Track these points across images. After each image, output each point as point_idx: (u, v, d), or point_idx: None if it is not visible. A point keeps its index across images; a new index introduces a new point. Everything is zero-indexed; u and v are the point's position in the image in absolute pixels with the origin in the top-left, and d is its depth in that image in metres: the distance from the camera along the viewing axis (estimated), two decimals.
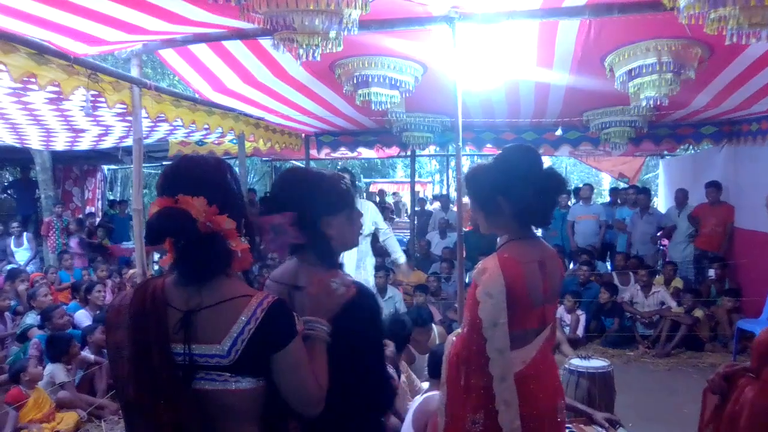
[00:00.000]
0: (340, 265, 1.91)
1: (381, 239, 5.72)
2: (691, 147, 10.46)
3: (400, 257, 5.90)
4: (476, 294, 2.10)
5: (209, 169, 1.61)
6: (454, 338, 2.22)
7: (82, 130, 7.17)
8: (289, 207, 1.74)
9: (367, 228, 5.57)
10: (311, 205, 1.79)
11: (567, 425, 3.20)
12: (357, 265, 5.54)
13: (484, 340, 2.06)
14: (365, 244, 5.60)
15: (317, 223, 1.80)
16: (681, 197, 8.83)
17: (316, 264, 1.82)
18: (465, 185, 2.37)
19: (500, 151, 2.34)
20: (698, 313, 7.11)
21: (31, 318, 6.18)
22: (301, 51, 3.51)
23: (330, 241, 1.83)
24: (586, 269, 8.00)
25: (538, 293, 2.18)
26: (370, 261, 5.72)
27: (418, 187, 14.43)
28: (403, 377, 4.14)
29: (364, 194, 23.14)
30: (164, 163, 9.83)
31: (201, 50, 4.91)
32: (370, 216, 5.61)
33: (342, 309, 1.70)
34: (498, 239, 2.32)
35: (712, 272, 7.85)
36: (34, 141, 7.91)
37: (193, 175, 1.57)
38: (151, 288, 1.54)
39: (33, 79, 3.70)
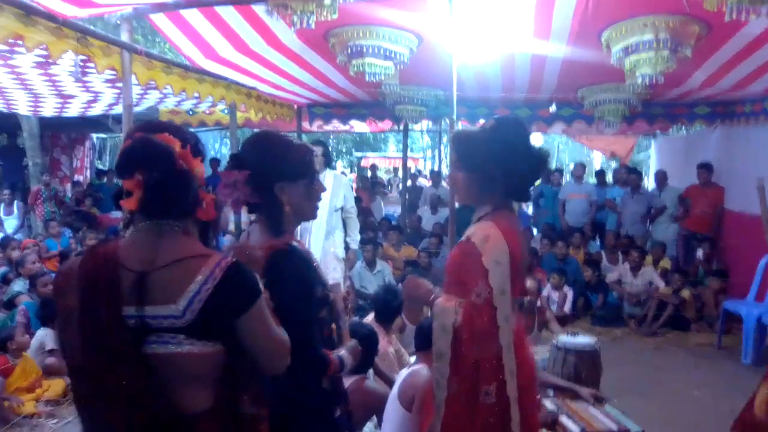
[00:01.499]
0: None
1: (343, 215, 5.61)
2: (684, 127, 10.48)
3: (352, 243, 5.78)
4: (484, 262, 2.06)
5: (178, 127, 1.64)
6: (459, 309, 2.11)
7: (71, 96, 7.06)
8: (249, 167, 1.83)
9: (339, 201, 5.52)
10: (268, 169, 1.86)
11: (553, 400, 3.24)
12: (326, 237, 5.49)
13: (495, 309, 2.04)
14: (336, 217, 5.54)
15: (272, 188, 1.86)
16: (661, 178, 8.89)
17: (267, 229, 1.90)
18: (455, 148, 2.31)
19: (492, 121, 2.29)
20: (685, 293, 7.17)
21: (19, 285, 6.14)
22: (295, 18, 3.46)
23: (282, 208, 1.88)
24: (562, 245, 8.01)
25: (525, 263, 2.27)
26: (339, 234, 5.65)
27: (410, 163, 14.40)
28: (391, 349, 4.15)
29: (356, 168, 23.10)
30: None
31: (193, 16, 4.81)
32: (342, 190, 5.55)
33: (263, 272, 1.73)
34: (477, 209, 2.28)
35: (700, 253, 7.90)
36: (22, 106, 7.78)
37: (168, 126, 1.61)
38: (102, 250, 1.50)
39: (20, 42, 3.61)
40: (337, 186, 5.51)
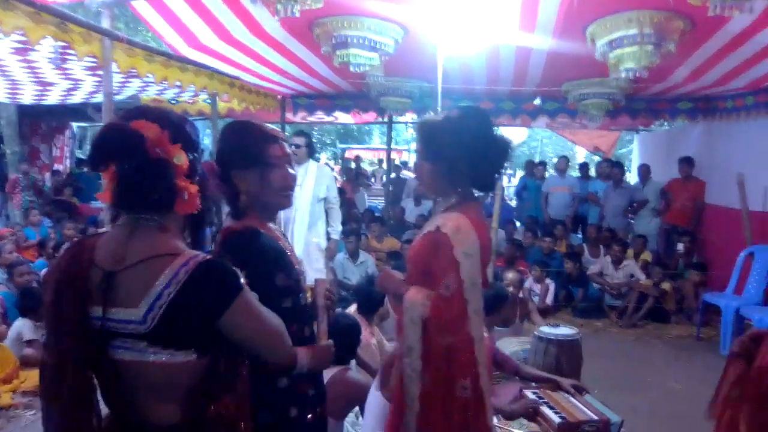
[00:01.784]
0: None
1: (325, 206, 5.59)
2: (666, 122, 10.56)
3: (333, 233, 5.76)
4: (454, 254, 2.02)
5: (166, 110, 1.56)
6: (428, 302, 2.05)
7: (51, 84, 6.94)
8: (215, 157, 1.90)
9: (322, 192, 5.49)
10: (225, 157, 1.89)
11: (534, 391, 3.25)
12: (309, 228, 5.46)
13: (465, 301, 2.01)
14: (318, 207, 5.52)
15: (230, 176, 1.87)
16: (644, 172, 8.97)
17: (230, 216, 1.92)
18: (420, 137, 2.24)
19: (456, 110, 2.23)
20: (666, 285, 7.24)
21: None
22: (279, 6, 3.43)
23: (239, 195, 1.88)
24: (549, 240, 8.07)
25: (490, 254, 2.29)
26: (322, 225, 5.62)
27: (393, 155, 14.37)
28: (374, 340, 4.15)
29: (340, 159, 23.03)
30: None
31: (175, 3, 4.76)
32: (325, 180, 5.52)
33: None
34: (443, 200, 2.24)
35: (681, 246, 7.98)
36: (0, 93, 7.65)
37: (150, 110, 1.49)
38: (80, 245, 1.43)
39: None
40: (320, 176, 5.48)
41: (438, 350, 2.04)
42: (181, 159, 1.42)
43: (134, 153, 1.36)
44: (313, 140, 5.80)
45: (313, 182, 5.38)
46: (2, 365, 4.64)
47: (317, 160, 5.83)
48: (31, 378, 4.71)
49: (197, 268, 1.35)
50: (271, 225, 1.99)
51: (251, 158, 1.88)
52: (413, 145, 25.93)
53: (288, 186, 1.94)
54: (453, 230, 2.05)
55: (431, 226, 2.14)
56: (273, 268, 1.85)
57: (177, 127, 1.48)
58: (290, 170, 1.95)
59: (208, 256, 1.40)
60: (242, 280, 1.43)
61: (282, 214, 5.50)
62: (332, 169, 5.97)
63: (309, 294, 2.07)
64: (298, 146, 5.28)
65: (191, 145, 1.49)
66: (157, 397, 1.40)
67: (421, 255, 2.14)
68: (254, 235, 1.87)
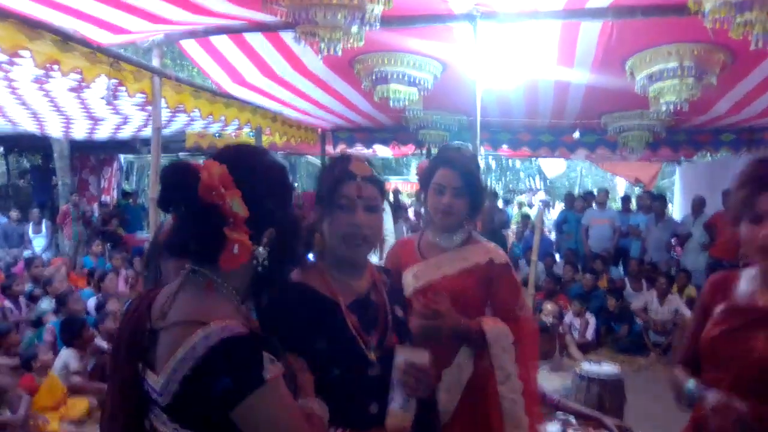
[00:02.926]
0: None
1: None
2: (708, 154, 10.38)
3: None
4: (517, 279, 2.25)
5: (254, 150, 1.42)
6: (507, 326, 2.16)
7: (101, 119, 7.23)
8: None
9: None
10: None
11: (576, 428, 3.20)
12: None
13: (535, 320, 2.19)
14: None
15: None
16: (697, 205, 8.74)
17: None
18: (469, 172, 2.19)
19: (444, 148, 2.41)
20: None
21: (46, 303, 6.24)
22: (322, 45, 3.51)
23: (314, 238, 1.79)
24: (590, 277, 7.95)
25: None
26: (374, 259, 5.64)
27: None
28: None
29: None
30: (180, 154, 9.88)
31: (221, 42, 4.93)
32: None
33: None
34: (453, 232, 2.25)
35: None
36: (54, 128, 7.98)
37: (237, 151, 1.37)
38: (145, 296, 1.34)
39: (56, 66, 3.74)
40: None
41: (534, 366, 2.20)
42: (237, 206, 1.23)
43: (185, 195, 1.23)
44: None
45: None
46: (51, 393, 4.76)
47: None
48: (78, 406, 4.82)
49: (218, 346, 1.16)
50: (344, 279, 1.69)
51: (324, 194, 1.65)
52: None
53: (355, 235, 1.62)
54: (506, 258, 2.19)
55: (469, 260, 2.18)
56: (309, 331, 1.58)
57: (253, 170, 1.32)
58: (364, 216, 1.62)
59: (240, 331, 1.19)
60: (267, 373, 1.20)
61: None
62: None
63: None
64: None
65: (266, 192, 1.32)
66: None
67: (475, 289, 2.18)
68: (291, 292, 1.64)
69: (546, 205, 16.62)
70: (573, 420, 3.59)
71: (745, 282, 1.74)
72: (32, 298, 6.66)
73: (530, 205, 17.24)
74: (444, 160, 2.22)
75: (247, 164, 1.32)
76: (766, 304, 1.66)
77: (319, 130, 8.81)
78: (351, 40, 3.46)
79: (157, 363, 1.21)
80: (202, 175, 1.22)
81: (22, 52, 3.44)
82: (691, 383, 1.77)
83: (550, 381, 4.24)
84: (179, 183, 1.23)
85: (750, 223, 1.64)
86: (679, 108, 4.95)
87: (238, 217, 1.23)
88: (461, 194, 2.16)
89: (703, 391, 1.71)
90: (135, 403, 1.26)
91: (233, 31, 4.56)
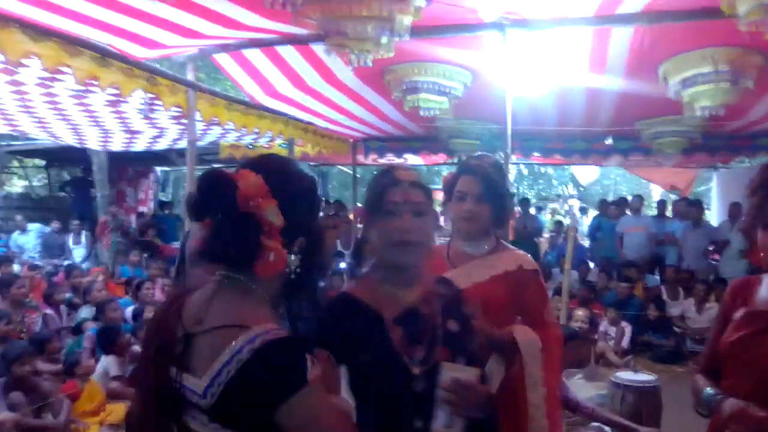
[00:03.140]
0: None
1: None
2: (746, 159, 10.16)
3: None
4: (545, 286, 2.29)
5: (287, 161, 1.45)
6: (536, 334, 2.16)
7: (138, 132, 7.40)
8: None
9: None
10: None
11: None
12: None
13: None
14: None
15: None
16: (735, 211, 8.55)
17: None
18: (490, 179, 2.20)
19: (478, 157, 2.32)
20: None
21: (86, 311, 6.40)
22: (352, 57, 3.56)
23: (364, 247, 1.82)
24: (626, 285, 7.81)
25: None
26: None
27: None
28: None
29: None
30: (215, 165, 10.05)
31: (254, 55, 5.03)
32: None
33: None
34: (480, 240, 2.26)
35: None
36: (93, 141, 8.19)
37: (268, 160, 1.42)
38: (173, 300, 1.38)
39: (95, 82, 3.85)
40: None
41: (557, 372, 2.26)
42: (273, 215, 1.28)
43: (223, 203, 1.27)
44: None
45: None
46: (91, 398, 4.88)
47: None
48: (117, 411, 4.93)
49: (261, 348, 1.20)
50: (393, 290, 1.67)
51: (371, 203, 1.66)
52: None
53: (404, 241, 1.60)
54: (535, 265, 2.22)
55: (498, 267, 2.19)
56: (352, 344, 1.56)
57: (286, 181, 1.36)
58: (411, 220, 1.61)
59: (281, 335, 1.24)
60: (309, 374, 1.24)
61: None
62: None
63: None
64: None
65: (298, 202, 1.36)
66: None
67: (505, 296, 2.19)
68: (335, 303, 1.70)
69: (582, 211, 16.41)
70: (608, 430, 3.55)
71: (766, 287, 1.71)
72: (72, 307, 6.83)
73: (563, 213, 17.08)
74: (465, 168, 2.25)
75: (281, 174, 1.36)
76: None
77: (351, 140, 8.87)
78: (381, 51, 3.50)
79: (197, 367, 1.24)
80: (240, 184, 1.26)
81: (63, 69, 3.56)
82: (709, 390, 1.75)
83: (585, 389, 4.20)
84: (217, 191, 1.27)
85: (764, 230, 1.61)
86: (714, 113, 4.88)
87: (273, 225, 1.27)
88: (483, 201, 2.18)
89: (721, 397, 1.68)
90: (165, 406, 1.29)
91: (265, 45, 4.65)
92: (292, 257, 1.33)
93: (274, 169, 1.35)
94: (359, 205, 1.73)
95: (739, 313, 1.73)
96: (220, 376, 1.20)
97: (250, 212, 1.26)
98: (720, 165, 11.48)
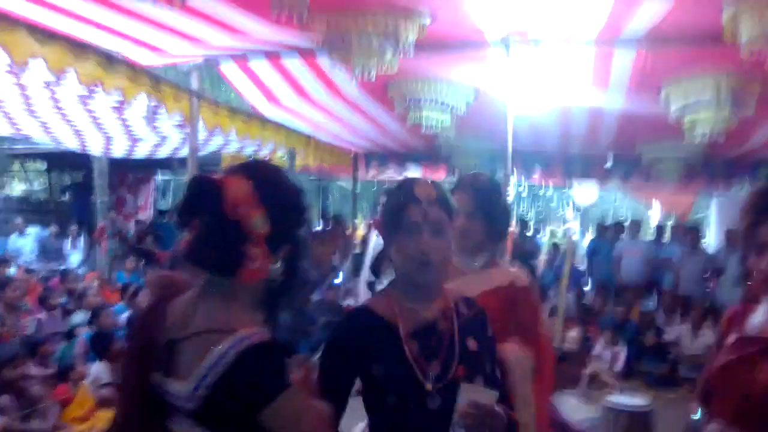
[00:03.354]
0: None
1: None
2: (745, 186, 10.19)
3: None
4: (537, 301, 2.27)
5: (278, 170, 1.47)
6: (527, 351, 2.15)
7: (141, 139, 7.42)
8: None
9: None
10: None
11: None
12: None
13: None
14: None
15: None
16: (732, 238, 8.56)
17: None
18: (476, 196, 2.21)
19: (472, 175, 2.39)
20: None
21: (80, 316, 6.37)
22: (356, 70, 3.59)
23: (383, 263, 1.79)
24: (622, 309, 7.80)
25: None
26: None
27: None
28: None
29: None
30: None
31: (259, 65, 5.05)
32: None
33: None
34: (474, 256, 2.24)
35: None
36: (95, 146, 8.20)
37: (259, 167, 1.45)
38: (156, 306, 1.38)
39: (99, 86, 3.87)
40: None
41: (548, 391, 2.24)
42: (259, 224, 1.30)
43: (209, 209, 1.29)
44: None
45: None
46: (81, 404, 4.84)
47: None
48: (106, 418, 4.89)
49: (246, 352, 1.22)
50: (411, 305, 1.65)
51: (389, 219, 1.63)
52: None
53: (423, 261, 1.57)
54: (529, 281, 2.21)
55: (491, 283, 2.17)
56: (367, 358, 1.56)
57: (274, 189, 1.38)
58: (430, 240, 1.58)
59: (265, 338, 1.26)
60: (291, 377, 1.28)
61: (366, 271, 5.57)
62: None
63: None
64: None
65: (285, 211, 1.39)
66: None
67: (496, 312, 2.18)
68: (353, 316, 1.72)
69: (581, 234, 16.42)
70: None
71: (760, 313, 1.71)
72: (66, 311, 6.80)
73: (562, 235, 17.08)
74: (459, 185, 2.28)
75: (269, 182, 1.38)
76: None
77: (352, 153, 8.89)
78: (385, 66, 3.52)
79: (181, 371, 1.26)
80: (227, 191, 1.28)
81: (67, 71, 3.58)
82: (697, 414, 1.74)
83: (577, 411, 4.17)
84: (205, 196, 1.30)
85: (754, 255, 1.61)
86: (714, 139, 4.90)
87: (259, 233, 1.30)
88: (475, 217, 2.19)
89: (706, 422, 1.67)
90: (148, 411, 1.30)
91: (270, 56, 4.68)
92: (277, 265, 1.35)
93: (262, 177, 1.37)
94: (376, 217, 1.70)
95: (730, 339, 1.73)
96: (205, 379, 1.21)
97: (236, 219, 1.28)
98: (719, 191, 11.50)
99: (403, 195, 1.62)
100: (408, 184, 1.66)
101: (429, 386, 1.54)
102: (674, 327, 7.61)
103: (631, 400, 3.99)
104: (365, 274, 5.67)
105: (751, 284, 1.66)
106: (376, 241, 1.78)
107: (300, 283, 1.47)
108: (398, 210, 1.60)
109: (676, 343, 7.32)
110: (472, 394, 1.50)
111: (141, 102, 4.45)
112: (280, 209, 1.36)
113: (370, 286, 1.74)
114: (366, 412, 1.63)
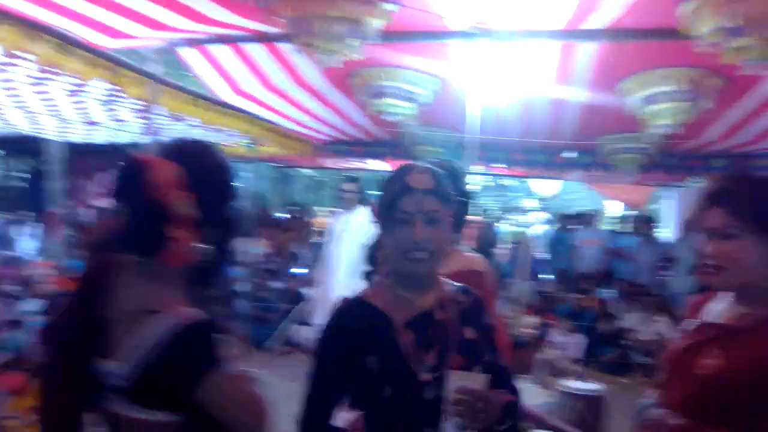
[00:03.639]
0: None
1: None
2: (701, 179, 10.46)
3: None
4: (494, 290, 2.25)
5: (211, 151, 1.47)
6: None
7: (99, 124, 7.24)
8: None
9: (366, 238, 5.43)
10: None
11: None
12: (353, 276, 5.42)
13: None
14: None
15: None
16: (686, 228, 8.82)
17: None
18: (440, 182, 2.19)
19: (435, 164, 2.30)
20: None
21: (30, 305, 6.22)
22: (321, 57, 3.55)
23: (377, 254, 1.84)
24: (581, 297, 7.99)
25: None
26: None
27: None
28: None
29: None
30: None
31: (221, 51, 4.97)
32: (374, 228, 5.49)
33: None
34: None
35: None
36: (51, 132, 7.97)
37: (190, 149, 1.45)
38: (90, 287, 1.39)
39: (56, 69, 3.75)
40: (368, 223, 5.43)
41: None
42: (184, 206, 1.31)
43: (136, 191, 1.30)
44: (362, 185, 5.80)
45: (359, 228, 5.40)
46: (34, 393, 4.73)
47: (368, 205, 5.79)
48: None
49: (178, 331, 1.25)
50: (406, 294, 1.62)
51: (383, 208, 1.61)
52: None
53: (417, 251, 1.55)
54: (486, 267, 2.29)
55: (447, 267, 1.92)
56: (361, 349, 1.54)
57: (203, 171, 1.39)
58: (424, 229, 1.54)
59: (197, 318, 1.28)
60: (224, 353, 1.30)
61: (327, 260, 5.55)
62: None
63: None
64: (347, 192, 5.39)
65: (213, 193, 1.40)
66: None
67: None
68: (347, 306, 1.66)
69: (545, 224, 16.66)
70: None
71: (719, 301, 1.75)
72: (16, 299, 6.62)
73: (523, 225, 17.31)
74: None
75: (198, 164, 1.39)
76: (726, 321, 1.64)
77: (315, 142, 8.83)
78: (350, 53, 3.50)
79: (114, 351, 1.29)
80: (153, 174, 1.29)
81: (22, 54, 3.46)
82: (646, 401, 1.77)
83: (535, 396, 4.25)
84: (132, 179, 1.31)
85: (707, 240, 1.64)
86: (673, 132, 5.01)
87: (184, 216, 1.31)
88: (450, 214, 2.21)
89: (649, 406, 1.70)
90: (82, 391, 1.33)
91: (233, 41, 4.60)
92: (203, 247, 1.36)
93: (191, 159, 1.38)
94: (373, 205, 1.68)
95: (688, 325, 1.77)
96: (137, 359, 1.24)
97: (160, 202, 1.29)
98: (676, 183, 11.79)
99: (397, 183, 1.59)
100: (404, 171, 1.62)
101: (424, 377, 1.53)
102: (629, 315, 7.81)
103: (586, 385, 4.07)
104: (327, 263, 5.67)
105: (698, 270, 1.70)
106: (371, 229, 1.78)
107: (230, 263, 1.52)
108: (392, 199, 1.57)
109: (631, 330, 7.51)
110: (462, 380, 1.48)
111: (99, 86, 4.33)
112: (208, 192, 1.37)
113: (366, 275, 1.74)
114: (358, 405, 1.60)
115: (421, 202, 1.54)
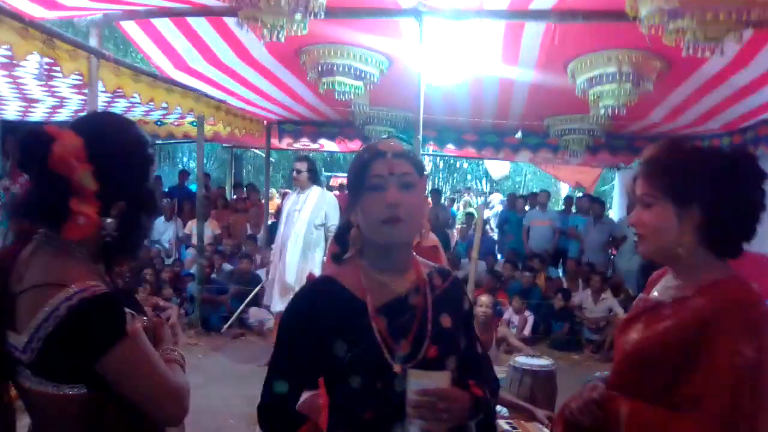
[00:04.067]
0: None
1: (325, 233, 5.49)
2: None
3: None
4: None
5: (120, 124, 1.45)
6: None
7: (36, 100, 6.95)
8: None
9: (319, 218, 5.40)
10: None
11: (508, 421, 3.25)
12: (302, 255, 5.37)
13: None
14: (317, 234, 5.43)
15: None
16: (630, 208, 9.00)
17: None
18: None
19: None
20: None
21: None
22: (265, 31, 3.47)
23: (349, 231, 1.61)
24: (529, 275, 8.13)
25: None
26: (320, 253, 5.50)
27: None
28: None
29: (325, 187, 23.03)
30: None
31: (164, 25, 4.82)
32: (325, 207, 5.45)
33: None
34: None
35: None
36: None
37: (99, 121, 1.46)
38: (4, 256, 1.36)
39: None
40: (320, 202, 5.38)
41: None
42: (87, 180, 1.29)
43: (35, 162, 1.28)
44: (315, 165, 5.72)
45: (312, 208, 5.35)
46: None
47: (320, 185, 5.71)
48: None
49: (79, 305, 1.23)
50: (380, 277, 1.51)
51: (353, 181, 1.50)
52: None
53: (392, 216, 1.42)
54: (435, 242, 2.17)
55: None
56: (330, 333, 1.43)
57: (109, 143, 1.37)
58: (398, 193, 1.43)
59: (99, 292, 1.26)
60: (128, 326, 1.29)
61: (279, 241, 5.48)
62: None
63: None
64: (299, 171, 5.34)
65: (120, 166, 1.37)
66: (60, 428, 1.32)
67: None
68: (316, 285, 1.55)
69: (486, 205, 16.87)
70: (505, 411, 3.66)
71: (665, 278, 1.77)
72: None
73: (475, 205, 17.49)
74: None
75: (104, 136, 1.37)
76: (659, 296, 1.66)
77: (265, 121, 8.70)
78: (294, 28, 3.43)
79: (18, 324, 1.26)
80: (55, 146, 1.27)
81: None
82: (593, 375, 1.79)
83: None
84: (33, 150, 1.28)
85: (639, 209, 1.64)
86: (617, 113, 5.10)
87: (86, 190, 1.30)
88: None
89: (588, 381, 1.70)
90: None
91: (175, 14, 4.46)
92: (108, 221, 1.35)
93: (98, 131, 1.37)
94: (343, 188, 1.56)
95: (636, 302, 1.79)
96: (38, 332, 1.23)
97: (61, 175, 1.27)
98: (622, 165, 12.07)
99: (367, 152, 1.49)
100: (374, 143, 1.55)
101: (397, 367, 1.42)
102: (578, 293, 7.98)
103: (536, 360, 4.14)
104: (279, 243, 5.54)
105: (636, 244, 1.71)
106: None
107: (141, 237, 1.49)
108: (364, 165, 1.46)
109: (580, 307, 7.69)
110: (421, 379, 1.37)
111: (33, 60, 4.14)
112: (113, 164, 1.35)
113: (336, 258, 1.58)
114: (327, 393, 1.52)
115: (393, 164, 1.44)
